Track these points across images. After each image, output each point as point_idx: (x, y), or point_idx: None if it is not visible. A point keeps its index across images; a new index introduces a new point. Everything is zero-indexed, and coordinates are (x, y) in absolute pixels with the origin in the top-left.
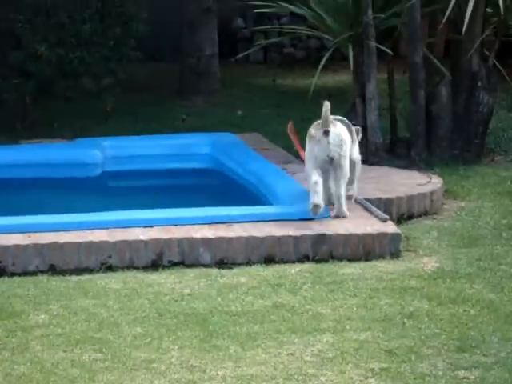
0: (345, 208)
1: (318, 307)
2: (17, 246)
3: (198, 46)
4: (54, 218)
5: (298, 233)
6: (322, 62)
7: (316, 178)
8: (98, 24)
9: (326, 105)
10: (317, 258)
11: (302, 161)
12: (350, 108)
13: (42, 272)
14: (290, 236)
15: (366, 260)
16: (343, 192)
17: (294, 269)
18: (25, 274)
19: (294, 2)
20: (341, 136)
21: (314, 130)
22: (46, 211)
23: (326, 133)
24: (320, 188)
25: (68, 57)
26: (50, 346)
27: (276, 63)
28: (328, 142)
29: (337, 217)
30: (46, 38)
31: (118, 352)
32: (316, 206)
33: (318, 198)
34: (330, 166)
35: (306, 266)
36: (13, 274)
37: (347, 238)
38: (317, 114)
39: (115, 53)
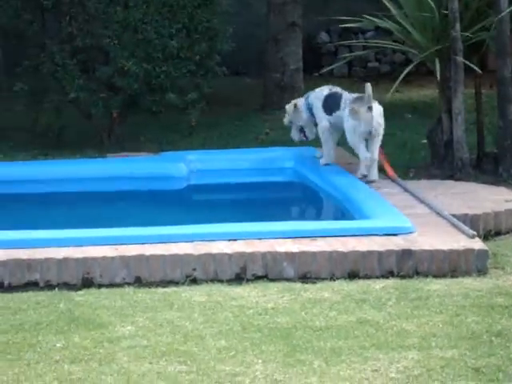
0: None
1: (402, 323)
2: (104, 258)
3: (283, 60)
4: (140, 230)
5: (382, 248)
6: (402, 76)
7: (366, 152)
8: (185, 39)
9: (369, 85)
10: (401, 273)
11: (388, 176)
12: (435, 123)
13: (129, 284)
14: (374, 251)
15: (452, 276)
16: (377, 158)
17: (378, 284)
18: (112, 285)
19: (380, 16)
20: (380, 109)
21: (357, 106)
22: (132, 224)
23: (370, 108)
24: (369, 162)
25: (155, 71)
26: (137, 357)
27: (360, 77)
28: (372, 116)
29: (372, 181)
30: (133, 53)
31: (202, 365)
32: (365, 177)
33: (367, 171)
34: (369, 136)
35: (391, 281)
36: (100, 286)
37: (433, 254)
38: (400, 129)
39: (201, 67)
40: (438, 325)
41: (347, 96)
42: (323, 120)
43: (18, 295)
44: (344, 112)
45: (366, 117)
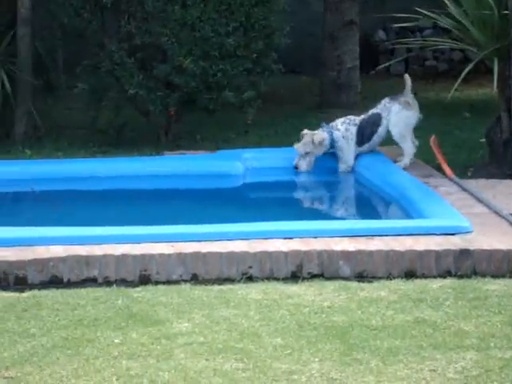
0: None
1: (460, 323)
2: (161, 255)
3: (339, 58)
4: (196, 228)
5: (440, 248)
6: (463, 74)
7: (413, 146)
8: (242, 37)
9: (408, 77)
10: (459, 273)
11: (445, 174)
12: (494, 121)
13: (185, 281)
14: (432, 250)
15: (511, 277)
16: None
17: (435, 284)
18: (168, 282)
19: (438, 13)
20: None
21: (410, 100)
22: (188, 221)
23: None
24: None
25: (211, 69)
26: (193, 354)
27: (417, 76)
28: (417, 109)
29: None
30: (190, 51)
31: (259, 362)
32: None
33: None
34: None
35: (448, 281)
36: (157, 283)
37: (491, 254)
38: (458, 127)
39: (257, 66)
40: (497, 325)
41: (380, 106)
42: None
43: (77, 291)
44: (390, 111)
45: (416, 107)
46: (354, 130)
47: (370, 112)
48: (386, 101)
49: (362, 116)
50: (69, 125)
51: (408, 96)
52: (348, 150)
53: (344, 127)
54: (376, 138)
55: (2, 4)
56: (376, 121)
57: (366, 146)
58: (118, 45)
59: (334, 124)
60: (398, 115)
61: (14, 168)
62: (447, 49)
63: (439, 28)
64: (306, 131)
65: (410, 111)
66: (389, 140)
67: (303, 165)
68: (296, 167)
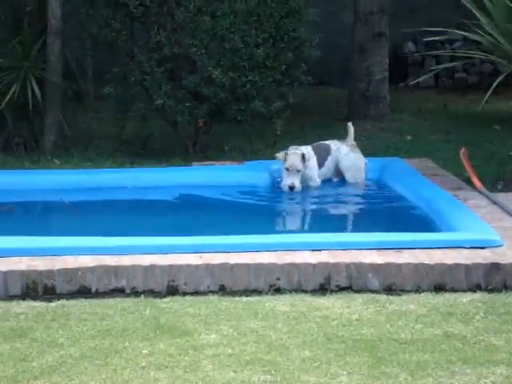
0: None
1: (491, 338)
2: (189, 266)
3: (369, 70)
4: (224, 239)
5: (469, 261)
6: (493, 86)
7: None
8: (271, 48)
9: (351, 125)
10: (489, 287)
11: (475, 187)
12: None
13: (213, 292)
14: (461, 264)
15: None
16: None
17: (465, 298)
18: (196, 293)
19: (468, 25)
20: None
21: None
22: (216, 232)
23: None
24: None
25: (240, 80)
26: (221, 365)
27: (447, 88)
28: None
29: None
30: (219, 62)
31: (286, 374)
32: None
33: None
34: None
35: (478, 295)
36: (185, 294)
37: None
38: (488, 140)
39: (286, 77)
40: None
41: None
42: None
43: (105, 301)
44: (339, 148)
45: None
46: (312, 153)
47: (318, 143)
48: (332, 140)
49: (310, 145)
50: (97, 135)
51: (351, 142)
52: (315, 169)
53: (306, 150)
54: (326, 167)
55: (34, 14)
56: (326, 149)
57: (322, 171)
58: (147, 55)
59: (295, 148)
60: (348, 157)
61: (43, 177)
62: (477, 61)
63: (469, 40)
64: (288, 151)
65: (358, 153)
66: (416, 151)
67: (298, 183)
68: (291, 187)
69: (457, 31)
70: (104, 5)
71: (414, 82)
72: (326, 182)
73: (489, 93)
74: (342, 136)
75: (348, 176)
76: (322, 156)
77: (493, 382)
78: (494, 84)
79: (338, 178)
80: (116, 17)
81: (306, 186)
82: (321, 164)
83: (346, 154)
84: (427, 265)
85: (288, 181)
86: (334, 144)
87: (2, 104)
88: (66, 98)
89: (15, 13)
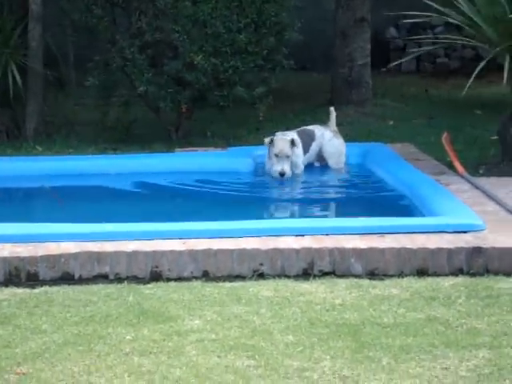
0: None
1: (473, 322)
2: (172, 252)
3: (351, 55)
4: (207, 224)
5: (452, 245)
6: (476, 71)
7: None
8: (253, 34)
9: (333, 110)
10: (471, 271)
11: (457, 172)
12: (506, 119)
13: (196, 278)
14: (443, 248)
15: None
16: None
17: (447, 282)
18: (180, 279)
19: (449, 10)
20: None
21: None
22: (199, 218)
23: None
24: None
25: (222, 66)
26: (205, 351)
27: (429, 73)
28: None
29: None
30: (201, 47)
31: (270, 359)
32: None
33: None
34: None
35: (460, 279)
36: (168, 280)
37: (504, 252)
38: (470, 125)
39: (268, 62)
40: (509, 323)
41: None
42: None
43: (88, 287)
44: (323, 134)
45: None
46: (299, 139)
47: (301, 128)
48: (316, 125)
49: (294, 130)
50: (79, 121)
51: (333, 127)
52: (301, 156)
53: (294, 136)
54: (310, 152)
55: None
56: (311, 135)
57: (306, 156)
58: (128, 41)
59: (282, 133)
60: (332, 143)
61: (25, 164)
62: (459, 46)
63: (451, 25)
64: (276, 136)
65: (340, 139)
66: (399, 136)
67: (288, 169)
68: (282, 174)
69: (439, 12)
70: None
71: (395, 63)
72: (309, 166)
73: (471, 79)
74: (324, 121)
75: (331, 162)
76: (307, 142)
77: (475, 365)
78: (477, 70)
79: (319, 162)
80: (97, 3)
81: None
82: (305, 150)
83: (329, 139)
84: (410, 249)
85: (278, 167)
86: (317, 130)
87: None
88: (48, 85)
89: None
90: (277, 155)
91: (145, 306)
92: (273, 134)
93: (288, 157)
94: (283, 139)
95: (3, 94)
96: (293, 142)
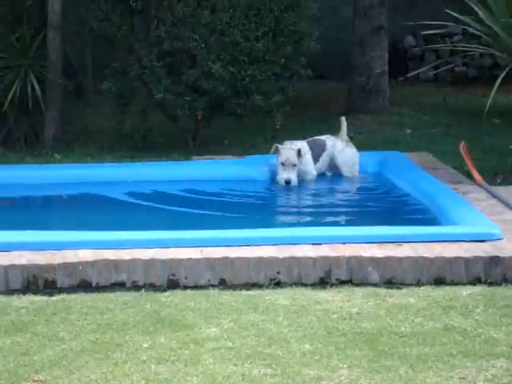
0: None
1: (490, 331)
2: (189, 260)
3: (368, 64)
4: (224, 233)
5: (469, 254)
6: (498, 82)
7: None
8: (271, 42)
9: (344, 119)
10: (489, 280)
11: (474, 181)
12: None
13: (213, 286)
14: (461, 257)
15: None
16: None
17: (465, 291)
18: (196, 287)
19: (468, 19)
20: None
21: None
22: (216, 226)
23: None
24: None
25: (240, 75)
26: (222, 359)
27: (447, 82)
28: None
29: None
30: (219, 56)
31: (287, 368)
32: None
33: None
34: None
35: (478, 288)
36: (185, 287)
37: None
38: (488, 134)
39: (286, 71)
40: None
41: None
42: None
43: (106, 295)
44: (335, 144)
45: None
46: (307, 147)
47: (312, 138)
48: (327, 135)
49: (305, 140)
50: (97, 129)
51: (344, 136)
52: (311, 163)
53: (302, 145)
54: (321, 162)
55: (33, 9)
56: (321, 145)
57: (316, 166)
58: (147, 49)
59: (290, 142)
60: (344, 153)
61: (43, 172)
62: (477, 55)
63: (469, 34)
64: (282, 145)
65: (353, 148)
66: (416, 145)
67: (294, 178)
68: (288, 181)
69: (457, 21)
70: None
71: (413, 73)
72: (322, 176)
73: (494, 89)
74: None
75: (345, 170)
76: (317, 152)
77: (493, 375)
78: (498, 80)
79: (332, 172)
80: (116, 11)
81: (301, 180)
82: (315, 159)
83: (341, 149)
84: (427, 258)
85: (284, 175)
86: (329, 140)
87: (4, 104)
88: (66, 93)
89: (14, 8)
90: (283, 164)
91: (162, 314)
92: (281, 143)
93: (294, 165)
94: (289, 148)
95: (22, 102)
96: (299, 152)
